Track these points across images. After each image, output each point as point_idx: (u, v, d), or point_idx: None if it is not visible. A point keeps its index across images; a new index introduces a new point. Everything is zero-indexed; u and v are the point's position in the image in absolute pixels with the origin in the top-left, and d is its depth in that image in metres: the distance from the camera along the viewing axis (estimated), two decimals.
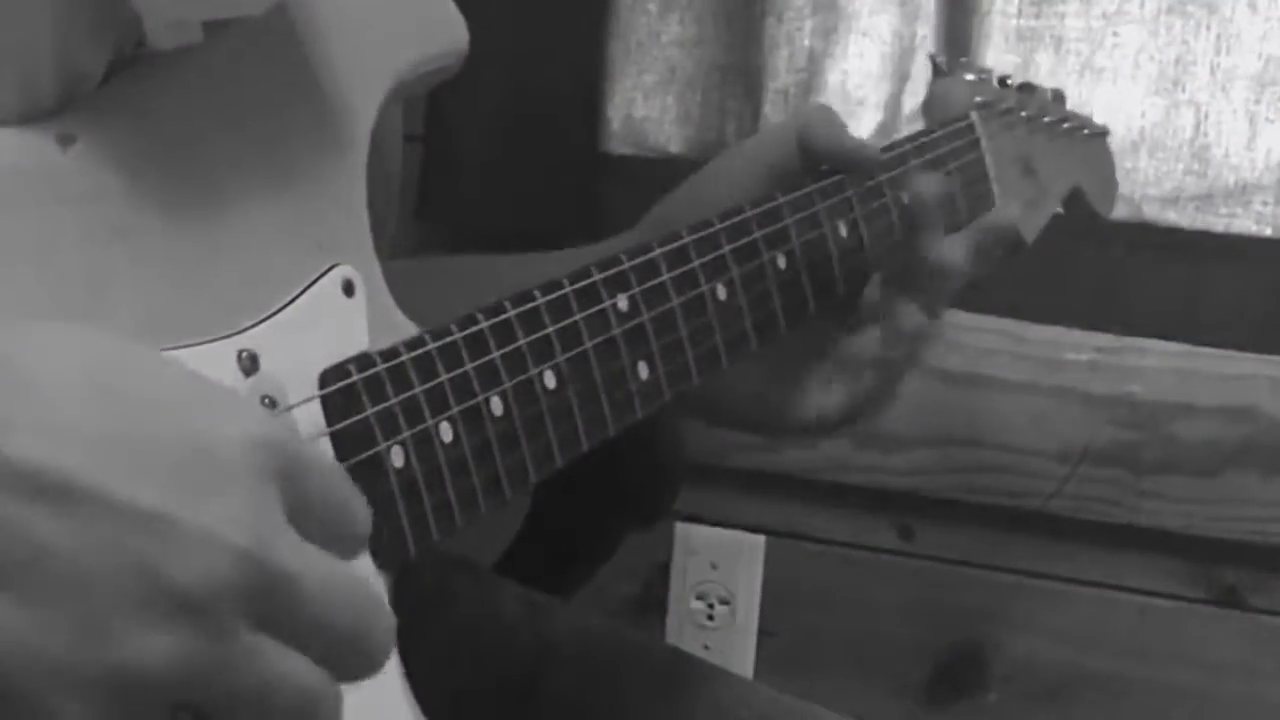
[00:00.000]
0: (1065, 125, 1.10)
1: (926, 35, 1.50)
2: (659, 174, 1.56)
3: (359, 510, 0.55)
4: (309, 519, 0.52)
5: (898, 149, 0.94)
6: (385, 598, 0.53)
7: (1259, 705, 1.44)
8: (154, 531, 0.48)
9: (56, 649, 0.47)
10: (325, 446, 0.64)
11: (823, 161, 0.90)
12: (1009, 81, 1.06)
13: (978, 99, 1.02)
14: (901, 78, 1.50)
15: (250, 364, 0.63)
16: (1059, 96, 1.12)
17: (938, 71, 1.05)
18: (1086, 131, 1.13)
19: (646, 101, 1.58)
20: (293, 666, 0.51)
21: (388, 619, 0.54)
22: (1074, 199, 1.12)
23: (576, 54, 1.56)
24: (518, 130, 1.54)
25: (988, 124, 1.01)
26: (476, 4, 1.50)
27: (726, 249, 0.83)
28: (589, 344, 0.74)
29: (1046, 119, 1.08)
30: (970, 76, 1.03)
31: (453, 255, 0.97)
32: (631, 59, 1.57)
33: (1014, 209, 0.93)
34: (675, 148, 1.57)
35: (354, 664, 0.53)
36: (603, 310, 0.75)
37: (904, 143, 0.95)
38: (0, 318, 0.55)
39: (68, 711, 0.47)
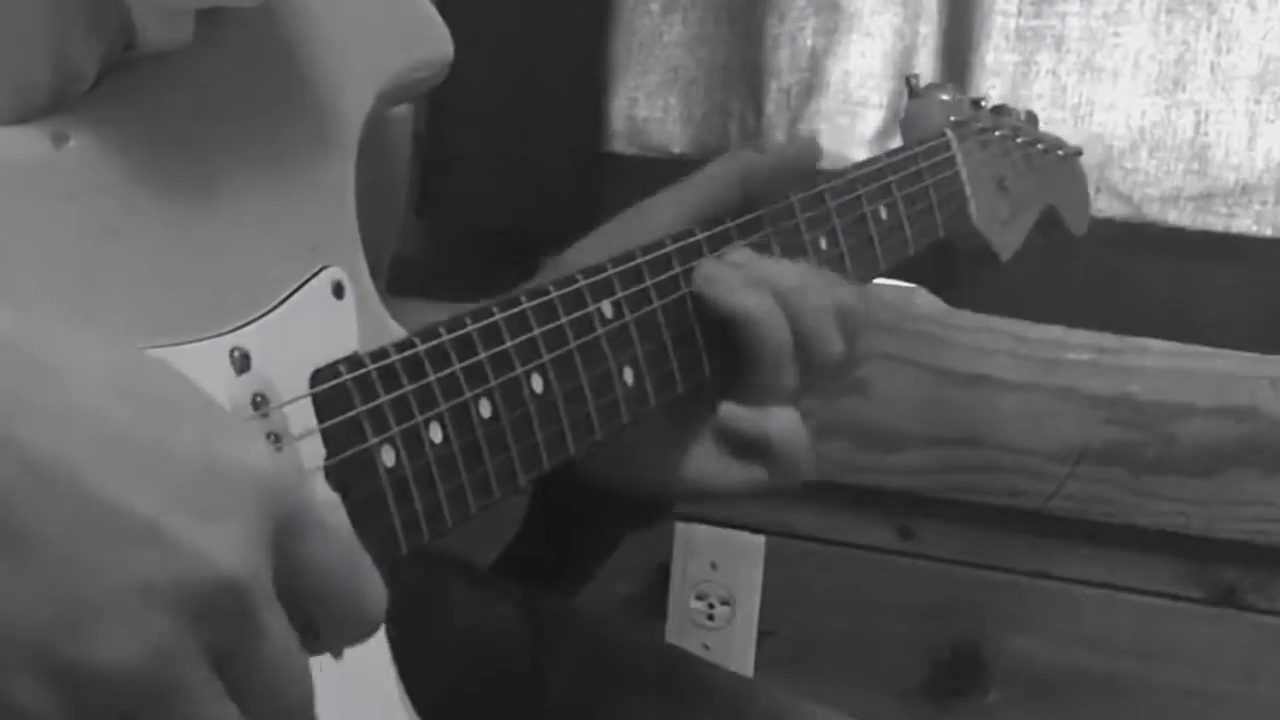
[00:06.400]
0: (1039, 146, 1.12)
1: (928, 35, 1.50)
2: (661, 174, 1.55)
3: (363, 582, 0.55)
4: (297, 574, 0.53)
5: (875, 164, 0.95)
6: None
7: (1259, 705, 1.44)
8: (147, 541, 0.48)
9: (31, 625, 0.47)
10: (318, 446, 0.65)
11: (774, 176, 0.90)
12: (983, 103, 1.08)
13: (952, 118, 1.03)
14: (903, 77, 1.50)
15: (242, 363, 0.63)
16: (1032, 118, 1.14)
17: (912, 92, 1.06)
18: (1060, 152, 1.15)
19: (649, 101, 1.58)
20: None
21: (306, 712, 0.54)
22: (1048, 218, 1.13)
23: (579, 54, 1.56)
24: (519, 130, 1.54)
25: (963, 142, 1.02)
26: (479, 4, 1.50)
27: (709, 257, 0.84)
28: (574, 346, 0.75)
29: (1020, 139, 1.09)
30: (945, 97, 1.05)
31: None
32: (634, 59, 1.57)
33: (791, 420, 0.85)
34: (678, 148, 1.58)
35: None
36: (588, 314, 0.76)
37: (882, 159, 0.96)
38: (35, 314, 0.55)
39: (22, 690, 0.47)
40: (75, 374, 0.49)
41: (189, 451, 0.50)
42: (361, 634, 0.56)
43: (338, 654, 0.56)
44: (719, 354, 0.84)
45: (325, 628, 0.54)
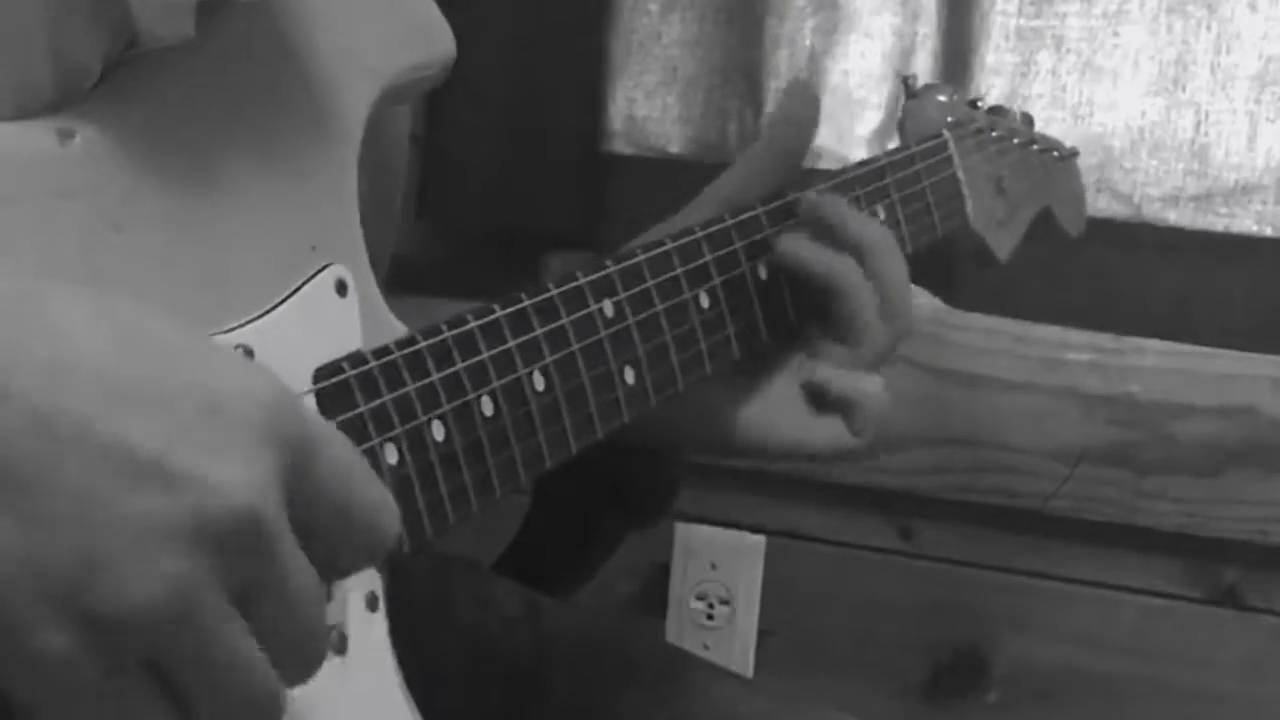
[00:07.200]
0: (1035, 147, 1.12)
1: (928, 35, 1.51)
2: (660, 174, 1.56)
3: (377, 498, 0.55)
4: (311, 500, 0.53)
5: (874, 164, 0.95)
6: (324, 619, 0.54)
7: (1259, 705, 1.44)
8: (155, 479, 0.48)
9: (53, 576, 0.47)
10: None
11: (784, 135, 0.91)
12: (979, 103, 1.08)
13: (949, 119, 1.03)
14: (900, 77, 1.50)
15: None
16: (1028, 119, 1.14)
17: (909, 92, 1.07)
18: (1056, 154, 1.15)
19: (648, 101, 1.58)
20: (257, 658, 0.51)
21: (324, 642, 0.54)
22: (1044, 219, 1.13)
23: (578, 54, 1.56)
24: (518, 130, 1.54)
25: (961, 143, 1.02)
26: (479, 4, 1.50)
27: (709, 257, 0.84)
28: (576, 346, 0.75)
29: (1016, 140, 1.09)
30: (942, 98, 1.05)
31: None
32: (633, 59, 1.58)
33: (879, 385, 0.90)
34: (676, 148, 1.58)
35: (295, 669, 0.53)
36: (589, 314, 0.76)
37: (880, 158, 0.96)
38: (26, 275, 0.55)
39: (52, 641, 0.48)
40: (69, 325, 0.50)
41: (189, 389, 0.50)
42: (376, 555, 0.56)
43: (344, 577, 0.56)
44: (804, 317, 0.88)
45: (341, 551, 0.55)
